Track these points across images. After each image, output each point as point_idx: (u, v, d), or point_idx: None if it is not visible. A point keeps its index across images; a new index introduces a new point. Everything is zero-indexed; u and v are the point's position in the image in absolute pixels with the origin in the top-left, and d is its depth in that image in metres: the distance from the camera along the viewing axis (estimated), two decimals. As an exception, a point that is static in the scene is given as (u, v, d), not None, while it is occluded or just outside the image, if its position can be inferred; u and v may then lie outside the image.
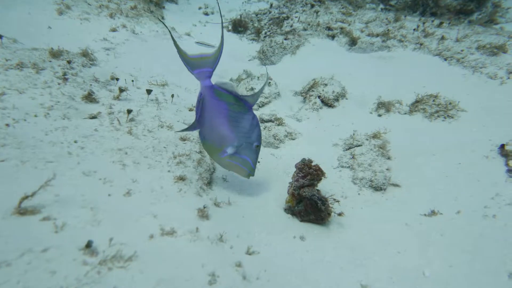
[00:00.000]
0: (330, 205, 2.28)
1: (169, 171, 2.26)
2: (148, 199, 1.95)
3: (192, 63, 2.16)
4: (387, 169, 2.82)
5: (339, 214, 2.30)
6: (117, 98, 3.14)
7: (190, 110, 3.42)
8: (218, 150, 2.24)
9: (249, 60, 6.62)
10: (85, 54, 3.87)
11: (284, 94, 4.27)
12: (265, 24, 7.49)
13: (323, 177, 2.40)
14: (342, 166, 2.93)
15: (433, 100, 3.75)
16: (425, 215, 2.47)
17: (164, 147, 2.51)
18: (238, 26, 8.08)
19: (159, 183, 2.12)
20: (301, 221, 2.34)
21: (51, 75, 3.14)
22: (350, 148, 3.10)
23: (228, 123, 2.15)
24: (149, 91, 3.22)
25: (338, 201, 2.32)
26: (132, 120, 2.78)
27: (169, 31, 2.38)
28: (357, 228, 2.34)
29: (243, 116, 2.15)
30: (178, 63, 4.98)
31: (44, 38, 4.30)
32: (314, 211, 2.26)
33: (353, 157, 2.92)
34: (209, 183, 2.47)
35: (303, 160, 2.41)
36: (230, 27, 8.15)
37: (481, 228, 2.31)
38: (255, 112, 3.77)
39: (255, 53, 6.54)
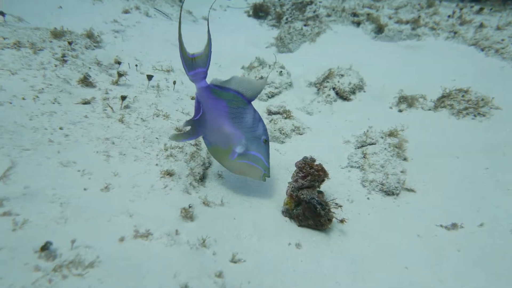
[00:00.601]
0: (332, 210, 2.05)
1: (156, 164, 2.08)
2: (127, 196, 1.78)
3: (189, 64, 2.04)
4: (401, 172, 2.54)
5: (341, 221, 2.06)
6: (115, 83, 2.98)
7: (192, 98, 3.22)
8: (227, 152, 2.08)
9: (266, 47, 6.36)
10: (89, 35, 3.73)
11: (297, 84, 4.01)
12: (287, 9, 7.15)
13: (326, 179, 2.17)
14: (352, 166, 2.67)
15: (463, 96, 3.41)
16: (441, 226, 2.19)
17: (157, 138, 2.33)
18: (259, 11, 7.80)
19: (143, 178, 1.94)
20: (299, 225, 2.12)
21: (49, 56, 3.01)
22: (362, 146, 2.84)
23: (230, 121, 2.03)
24: (149, 77, 3.05)
25: (340, 206, 2.09)
26: (126, 107, 2.61)
27: (179, 30, 2.07)
28: (361, 236, 2.10)
29: (244, 111, 2.02)
30: (187, 47, 4.80)
31: (53, 18, 4.19)
32: (313, 216, 2.04)
33: (364, 157, 2.65)
34: (202, 179, 2.28)
35: (305, 159, 2.18)
36: (251, 12, 7.89)
37: (507, 245, 2.03)
38: (264, 103, 3.55)
39: (273, 40, 6.27)
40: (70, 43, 3.30)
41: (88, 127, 2.23)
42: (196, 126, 2.11)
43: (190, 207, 1.83)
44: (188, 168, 2.17)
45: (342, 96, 3.64)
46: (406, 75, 4.18)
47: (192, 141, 2.45)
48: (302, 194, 2.06)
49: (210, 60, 2.04)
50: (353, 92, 3.69)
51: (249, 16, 7.91)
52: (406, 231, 2.17)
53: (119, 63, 3.35)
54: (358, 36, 5.88)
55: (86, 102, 2.53)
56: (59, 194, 1.64)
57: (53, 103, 2.38)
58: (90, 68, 3.09)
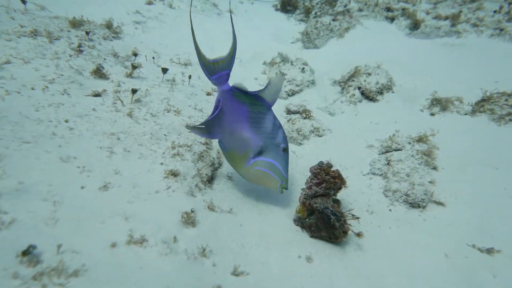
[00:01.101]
0: (348, 222, 1.86)
1: (161, 163, 1.96)
2: (126, 196, 1.66)
3: (210, 68, 2.01)
4: (430, 182, 2.31)
5: (358, 235, 1.87)
6: (129, 75, 2.88)
7: (208, 94, 3.09)
8: (243, 157, 1.96)
9: (291, 43, 6.16)
10: (108, 25, 3.66)
11: (320, 82, 3.81)
12: (317, 4, 6.89)
13: (343, 186, 1.98)
14: (374, 173, 2.46)
15: (506, 100, 3.10)
16: (474, 246, 1.96)
17: (165, 135, 2.21)
18: (287, 5, 7.60)
19: (146, 178, 1.82)
20: (311, 236, 1.94)
21: (65, 45, 2.95)
22: (387, 151, 2.61)
23: (249, 125, 1.93)
24: (164, 70, 2.93)
25: (357, 218, 1.89)
26: (137, 101, 2.50)
27: (192, 31, 2.02)
28: (380, 252, 1.90)
29: (264, 116, 1.93)
30: (209, 42, 4.67)
31: (75, 7, 4.16)
32: (326, 228, 1.85)
33: (388, 163, 2.43)
34: (210, 180, 2.13)
35: (320, 164, 2.00)
36: (278, 6, 7.71)
37: (549, 274, 1.78)
38: (284, 101, 3.37)
39: (300, 35, 6.06)
40: (87, 33, 3.23)
41: (95, 120, 2.14)
42: (211, 126, 2.03)
43: (192, 211, 1.70)
44: (195, 168, 2.04)
45: (368, 96, 3.41)
46: (441, 75, 3.88)
47: (202, 140, 2.31)
48: (316, 203, 1.88)
49: (233, 62, 1.99)
50: (380, 93, 3.45)
51: (276, 10, 7.73)
52: (432, 250, 1.95)
53: (135, 55, 3.26)
54: (390, 32, 5.57)
55: (97, 95, 2.44)
56: (54, 192, 1.54)
57: (63, 94, 2.30)
58: (105, 59, 3.01)
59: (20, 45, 2.74)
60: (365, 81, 3.44)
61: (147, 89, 2.65)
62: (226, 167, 2.31)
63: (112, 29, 3.70)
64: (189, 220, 1.65)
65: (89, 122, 2.10)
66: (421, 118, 3.26)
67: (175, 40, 4.19)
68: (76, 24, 3.32)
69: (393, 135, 2.70)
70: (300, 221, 2.00)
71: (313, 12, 6.63)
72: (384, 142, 2.68)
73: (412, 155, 2.44)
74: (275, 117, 1.97)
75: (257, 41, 5.09)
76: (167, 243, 1.47)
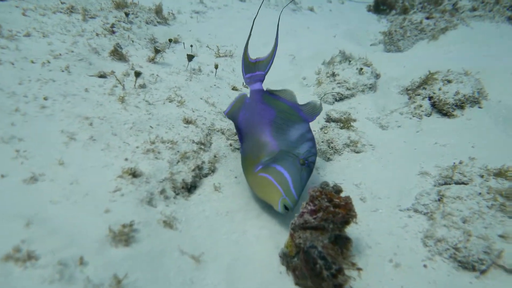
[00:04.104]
0: (346, 274, 1.28)
1: (126, 159, 1.61)
2: (53, 194, 1.33)
3: (249, 67, 2.00)
4: (500, 236, 1.57)
5: (357, 301, 1.28)
6: (152, 60, 2.62)
7: (234, 88, 2.67)
8: (255, 162, 1.70)
9: (371, 45, 5.45)
10: (158, 10, 3.49)
11: (384, 88, 3.12)
12: (419, 3, 6.01)
13: (351, 221, 1.40)
14: (416, 210, 1.78)
15: None
16: None
17: (151, 127, 1.86)
18: (382, 4, 6.85)
19: (95, 174, 1.48)
20: (296, 284, 1.40)
21: (98, 25, 2.82)
22: (446, 183, 1.90)
23: (271, 130, 1.75)
24: (190, 57, 2.61)
25: (360, 270, 1.30)
26: (142, 86, 2.21)
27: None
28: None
29: (292, 125, 1.75)
30: (265, 38, 4.25)
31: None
32: (311, 276, 1.31)
33: (440, 199, 1.74)
34: (190, 189, 1.71)
35: (324, 186, 1.44)
36: (372, 6, 7.02)
37: None
38: (329, 106, 2.80)
39: (382, 35, 5.31)
40: (127, 15, 3.08)
41: (78, 101, 1.88)
42: (238, 128, 1.88)
43: (131, 224, 1.30)
44: (168, 171, 1.64)
45: (441, 109, 2.64)
46: None
47: (197, 138, 1.91)
48: (300, 238, 1.35)
49: (270, 65, 1.96)
50: (460, 106, 2.65)
51: (369, 10, 7.05)
52: None
53: (170, 40, 3.00)
54: (507, 35, 4.51)
55: (102, 76, 2.21)
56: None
57: (62, 71, 2.10)
58: (133, 41, 2.80)
59: (51, 20, 2.67)
60: (440, 89, 2.68)
61: (157, 75, 2.34)
62: (219, 175, 1.87)
63: (161, 15, 3.52)
64: (121, 237, 1.26)
65: (70, 102, 1.85)
66: (514, 146, 2.39)
67: (229, 32, 3.87)
68: (120, 5, 3.20)
69: (460, 162, 1.97)
70: (286, 259, 1.46)
71: (411, 12, 5.79)
72: (444, 171, 1.96)
73: (480, 193, 1.70)
74: (309, 130, 1.76)
75: (325, 40, 4.53)
76: (66, 265, 1.10)
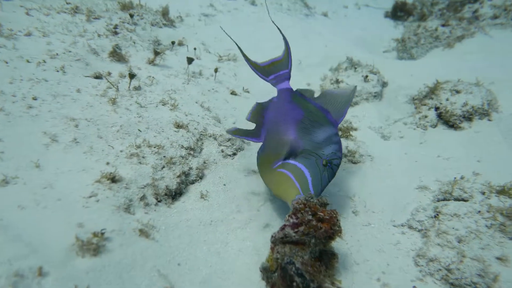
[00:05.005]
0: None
1: (108, 163, 1.57)
2: (20, 199, 1.29)
3: (265, 71, 1.98)
4: (497, 259, 1.45)
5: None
6: (151, 62, 2.59)
7: (233, 93, 2.62)
8: (274, 159, 1.62)
9: (384, 52, 5.34)
10: (164, 12, 3.48)
11: (390, 97, 3.01)
12: (439, 9, 5.84)
13: (336, 236, 1.32)
14: (410, 227, 1.68)
15: None
16: None
17: (139, 130, 1.82)
18: (400, 11, 6.69)
19: (72, 178, 1.44)
20: (275, 304, 1.33)
21: (101, 25, 2.82)
22: (445, 199, 1.79)
23: (297, 129, 1.68)
24: (190, 60, 2.57)
25: None
26: (137, 88, 2.18)
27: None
28: None
29: (319, 127, 1.67)
30: (272, 43, 4.18)
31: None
32: (289, 297, 1.22)
33: (436, 216, 1.63)
34: (174, 196, 1.66)
35: (308, 198, 1.37)
36: (389, 13, 6.86)
37: None
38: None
39: (395, 43, 5.19)
40: (132, 16, 3.07)
41: (68, 102, 1.86)
42: (262, 127, 1.84)
43: (102, 233, 1.25)
44: (151, 176, 1.59)
45: (447, 120, 2.52)
46: None
47: (186, 143, 1.86)
48: (278, 253, 1.27)
49: (291, 61, 1.95)
50: (468, 118, 2.53)
51: (386, 16, 6.88)
52: None
53: (172, 42, 2.98)
54: None
55: (98, 77, 2.19)
56: None
57: (57, 71, 2.09)
58: (134, 43, 2.79)
59: (54, 19, 2.68)
60: (447, 100, 2.56)
61: (153, 77, 2.31)
62: (207, 182, 1.81)
63: (167, 17, 3.51)
64: (89, 245, 1.21)
65: (60, 103, 1.83)
66: (524, 162, 2.26)
67: (237, 36, 3.82)
68: (126, 6, 3.20)
69: (462, 177, 1.86)
70: (266, 274, 1.39)
71: (429, 19, 5.65)
72: (444, 186, 1.85)
73: (479, 212, 1.59)
74: (336, 134, 1.68)
75: (333, 47, 4.43)
76: (23, 276, 1.05)
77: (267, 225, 1.68)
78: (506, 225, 1.57)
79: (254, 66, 1.97)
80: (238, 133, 1.83)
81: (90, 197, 1.39)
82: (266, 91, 2.80)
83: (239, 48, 1.97)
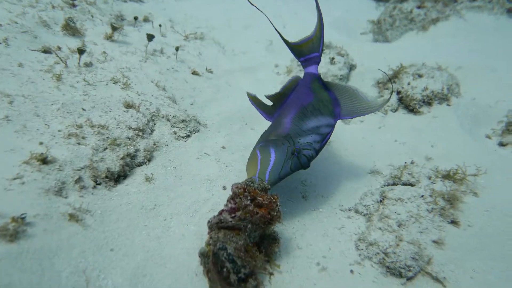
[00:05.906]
0: (260, 279, 1.19)
1: (41, 143, 1.49)
2: None
3: (298, 50, 1.90)
4: (434, 242, 1.47)
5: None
6: (109, 37, 2.47)
7: (194, 73, 2.53)
8: (262, 139, 1.65)
9: (361, 34, 5.28)
10: (129, -14, 3.32)
11: (358, 81, 2.97)
12: None
13: (275, 221, 1.30)
14: (357, 211, 1.67)
15: None
16: None
17: (83, 109, 1.74)
18: None
19: (-1, 158, 1.36)
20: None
21: (58, -3, 2.67)
22: (394, 184, 1.79)
23: (295, 113, 1.68)
24: (150, 37, 2.46)
25: (271, 274, 1.21)
26: (88, 65, 2.07)
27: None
28: None
29: (317, 116, 1.67)
30: (244, 21, 4.05)
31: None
32: (220, 280, 1.20)
33: (382, 201, 1.63)
34: (117, 179, 1.60)
35: (249, 182, 1.34)
36: None
37: None
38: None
39: (371, 25, 5.14)
40: (92, -12, 2.92)
41: (5, 77, 1.75)
42: (280, 107, 1.80)
43: (22, 218, 1.19)
44: (89, 158, 1.53)
45: (407, 105, 2.51)
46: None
47: (134, 124, 1.79)
48: (211, 238, 1.25)
49: (323, 43, 1.86)
50: (428, 103, 2.52)
51: None
52: None
53: (135, 18, 2.85)
54: (503, 29, 4.32)
55: (46, 51, 2.08)
56: None
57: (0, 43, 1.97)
58: (93, 17, 2.65)
59: (3, -11, 2.51)
60: (409, 84, 2.54)
61: (107, 54, 2.21)
62: (154, 165, 1.76)
63: (132, -10, 3.36)
64: (4, 231, 1.15)
65: (-4, 78, 1.73)
66: (481, 147, 2.28)
67: (209, 14, 3.70)
68: (88, -22, 3.03)
69: (412, 162, 1.86)
70: (203, 258, 1.36)
71: (409, 1, 5.58)
72: (395, 171, 1.85)
73: (422, 196, 1.59)
74: (327, 126, 1.68)
75: (310, 27, 4.34)
76: None
77: (215, 209, 1.65)
78: (446, 209, 1.58)
79: (289, 45, 1.88)
80: (255, 101, 1.80)
81: (15, 179, 1.32)
82: (229, 71, 2.73)
83: (272, 25, 1.86)
